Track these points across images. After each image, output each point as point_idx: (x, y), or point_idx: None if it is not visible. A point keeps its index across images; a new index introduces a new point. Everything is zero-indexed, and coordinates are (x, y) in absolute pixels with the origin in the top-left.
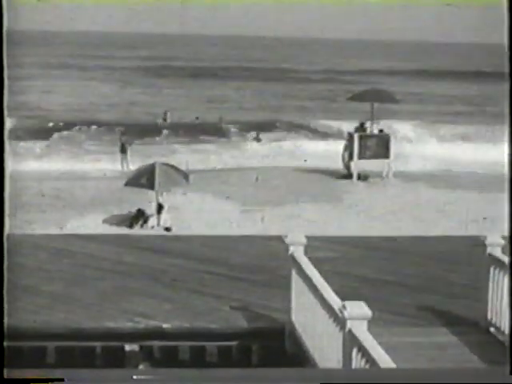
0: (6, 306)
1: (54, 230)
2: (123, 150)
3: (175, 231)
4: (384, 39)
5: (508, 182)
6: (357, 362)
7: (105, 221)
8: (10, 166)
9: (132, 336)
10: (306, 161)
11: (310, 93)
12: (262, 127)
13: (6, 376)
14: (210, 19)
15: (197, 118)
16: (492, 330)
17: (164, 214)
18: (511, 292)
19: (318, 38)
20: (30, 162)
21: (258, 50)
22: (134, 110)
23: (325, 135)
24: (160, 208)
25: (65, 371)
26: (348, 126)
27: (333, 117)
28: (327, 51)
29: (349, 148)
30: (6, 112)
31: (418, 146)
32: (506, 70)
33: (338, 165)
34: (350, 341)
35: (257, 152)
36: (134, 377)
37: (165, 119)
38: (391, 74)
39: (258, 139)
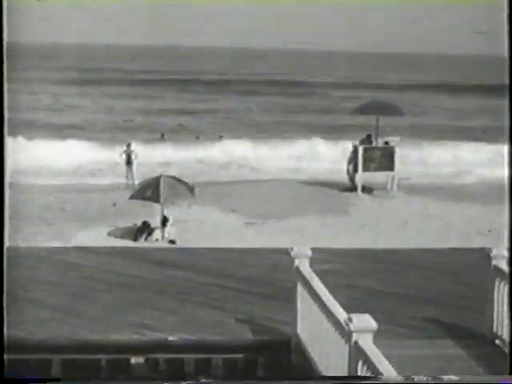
0: (11, 318)
1: (59, 243)
2: (129, 163)
3: (180, 244)
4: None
5: (508, 192)
6: (362, 373)
7: (109, 233)
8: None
9: (137, 348)
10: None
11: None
12: None
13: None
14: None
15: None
16: (497, 342)
17: (169, 227)
18: (511, 298)
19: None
20: None
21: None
22: None
23: None
24: (165, 221)
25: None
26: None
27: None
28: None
29: (353, 160)
30: (5, 117)
31: None
32: (507, 75)
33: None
34: (356, 353)
35: None
36: None
37: None
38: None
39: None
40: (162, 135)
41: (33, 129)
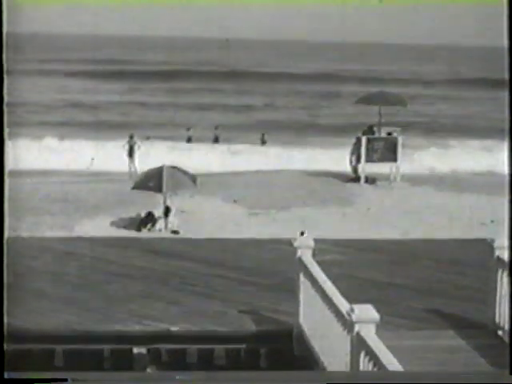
0: (13, 309)
1: (62, 233)
2: (131, 154)
3: (183, 234)
4: None
5: (508, 184)
6: (364, 364)
7: (112, 223)
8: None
9: (140, 339)
10: None
11: None
12: None
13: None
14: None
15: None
16: (500, 333)
17: (171, 217)
18: (511, 292)
19: None
20: None
21: None
22: None
23: None
24: (167, 211)
25: (72, 374)
26: None
27: None
28: None
29: (356, 151)
30: (5, 113)
31: None
32: (507, 71)
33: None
34: (358, 344)
35: None
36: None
37: None
38: None
39: None
40: (147, 138)
41: None
